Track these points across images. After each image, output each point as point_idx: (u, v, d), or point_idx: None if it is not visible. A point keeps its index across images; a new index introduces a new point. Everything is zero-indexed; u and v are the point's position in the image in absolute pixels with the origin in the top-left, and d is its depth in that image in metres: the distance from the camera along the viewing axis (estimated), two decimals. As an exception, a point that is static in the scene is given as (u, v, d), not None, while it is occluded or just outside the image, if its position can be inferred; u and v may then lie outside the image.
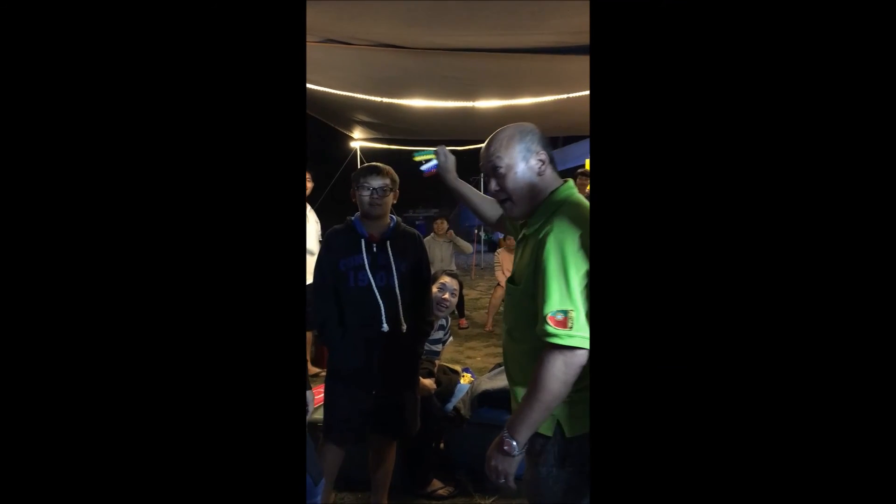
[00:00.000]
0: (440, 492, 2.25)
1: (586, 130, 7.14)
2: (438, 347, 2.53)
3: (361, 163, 6.17)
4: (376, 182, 1.79)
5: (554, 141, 10.12)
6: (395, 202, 1.89)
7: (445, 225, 5.32)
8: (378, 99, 3.70)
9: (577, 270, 1.06)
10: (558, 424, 1.14)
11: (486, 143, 1.24)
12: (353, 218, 1.90)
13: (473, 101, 3.75)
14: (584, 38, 2.55)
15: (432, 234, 5.31)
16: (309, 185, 3.35)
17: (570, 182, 1.23)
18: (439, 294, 2.40)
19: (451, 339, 2.74)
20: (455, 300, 2.50)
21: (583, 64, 2.91)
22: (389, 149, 6.71)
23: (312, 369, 3.39)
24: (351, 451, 1.97)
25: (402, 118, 4.47)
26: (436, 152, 1.53)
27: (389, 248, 1.84)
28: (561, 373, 1.04)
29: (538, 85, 3.42)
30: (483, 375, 2.75)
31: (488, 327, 5.18)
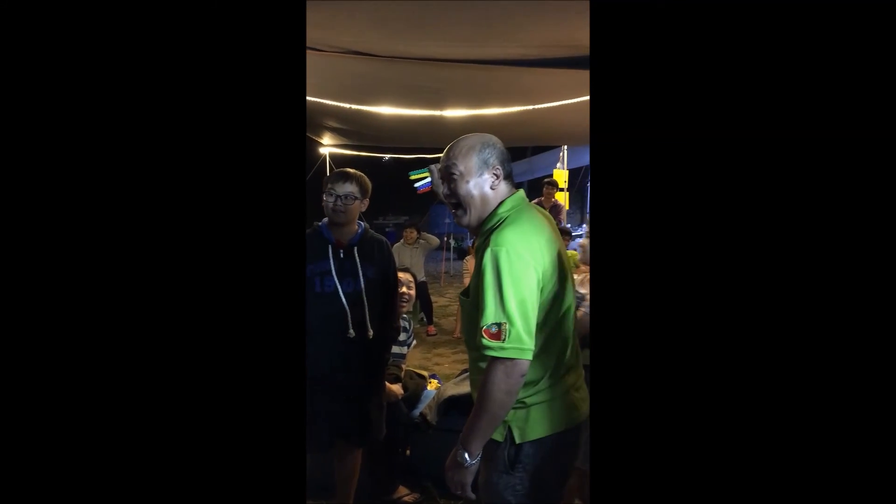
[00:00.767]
0: (406, 498, 2.25)
1: (551, 141, 7.29)
2: (404, 350, 2.54)
3: (331, 168, 6.13)
4: (342, 189, 1.79)
5: (523, 151, 10.25)
6: (363, 210, 1.89)
7: (415, 234, 5.35)
8: (347, 105, 3.71)
9: (514, 283, 1.08)
10: (509, 430, 1.17)
11: (447, 146, 1.27)
12: (320, 223, 1.90)
13: (441, 109, 3.80)
14: (551, 52, 2.62)
15: (402, 240, 5.32)
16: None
17: (518, 193, 1.25)
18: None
19: (414, 342, 2.75)
20: (413, 292, 2.50)
21: (548, 77, 2.99)
22: (359, 155, 6.69)
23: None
24: (317, 458, 1.95)
25: (371, 125, 4.49)
26: (429, 170, 1.59)
27: (356, 255, 1.85)
28: (503, 382, 1.08)
29: (505, 96, 3.50)
30: (449, 381, 2.77)
31: (456, 334, 5.20)
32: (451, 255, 9.09)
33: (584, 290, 1.75)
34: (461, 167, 1.22)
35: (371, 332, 1.84)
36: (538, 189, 5.80)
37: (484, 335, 1.08)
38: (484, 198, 1.22)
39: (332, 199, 1.80)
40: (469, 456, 1.13)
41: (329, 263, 1.82)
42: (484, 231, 1.22)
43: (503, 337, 1.07)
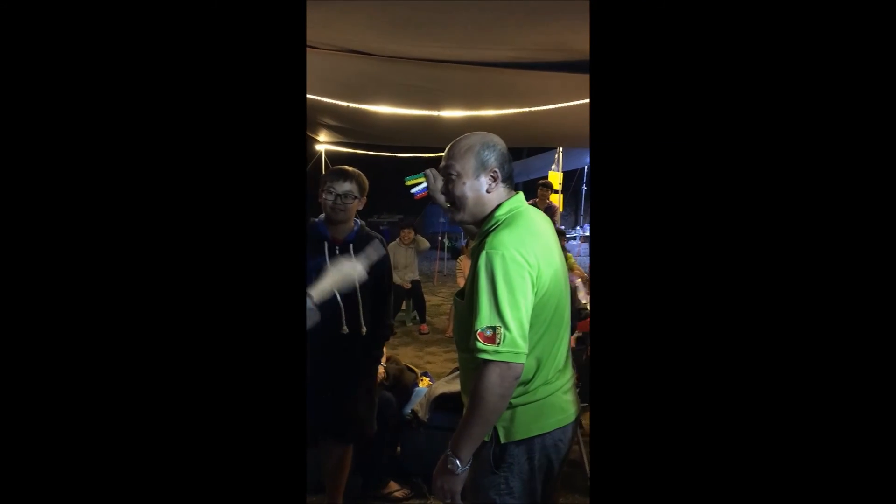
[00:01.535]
0: (396, 494, 2.26)
1: (547, 143, 7.32)
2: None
3: (326, 166, 6.14)
4: (342, 187, 1.80)
5: (519, 152, 10.27)
6: (360, 208, 1.91)
7: (412, 234, 5.37)
8: (344, 104, 3.72)
9: (509, 286, 1.08)
10: (495, 430, 1.17)
11: (449, 145, 1.27)
12: (316, 220, 1.92)
13: (438, 110, 3.82)
14: (547, 55, 2.65)
15: (397, 239, 5.33)
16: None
17: (517, 196, 1.26)
18: None
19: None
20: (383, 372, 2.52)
21: (544, 80, 3.02)
22: (355, 153, 6.70)
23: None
24: (308, 453, 1.97)
25: (368, 124, 4.50)
26: (425, 175, 1.60)
27: (352, 251, 1.86)
28: (497, 386, 1.07)
29: (501, 98, 3.52)
30: (441, 379, 2.79)
31: (448, 333, 5.21)
32: (445, 254, 9.11)
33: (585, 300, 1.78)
34: (458, 167, 1.22)
35: (364, 329, 1.85)
36: (533, 191, 5.83)
37: (478, 338, 1.08)
38: (479, 199, 1.23)
39: (331, 198, 1.80)
40: (461, 462, 1.12)
41: (325, 260, 1.83)
42: (480, 233, 1.22)
43: (498, 340, 1.07)
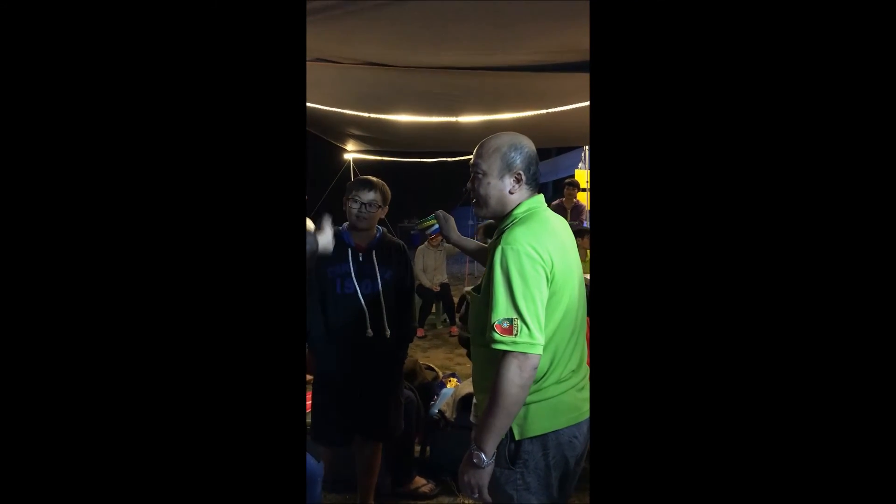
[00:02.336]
0: (423, 489, 2.31)
1: (569, 142, 7.26)
2: None
3: (354, 174, 6.28)
4: (366, 196, 1.88)
5: (548, 151, 10.19)
6: (382, 217, 1.98)
7: (440, 238, 5.45)
8: (366, 114, 3.83)
9: (523, 279, 1.12)
10: (510, 427, 1.18)
11: (479, 143, 1.30)
12: (341, 228, 2.00)
13: (457, 116, 3.88)
14: (558, 57, 2.68)
15: (426, 243, 5.41)
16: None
17: (537, 197, 1.29)
18: None
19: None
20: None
21: (557, 81, 3.05)
22: (381, 160, 6.84)
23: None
24: (338, 452, 2.05)
25: (390, 132, 4.60)
26: (435, 216, 1.69)
27: (375, 258, 1.94)
28: (516, 376, 1.10)
29: (517, 101, 3.57)
30: (467, 379, 2.84)
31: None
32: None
33: None
34: (484, 166, 1.25)
35: (388, 332, 1.92)
36: (561, 189, 5.81)
37: (496, 330, 1.10)
38: (501, 198, 1.26)
39: (356, 206, 1.88)
40: (486, 456, 1.13)
41: (349, 266, 1.91)
42: (498, 230, 1.26)
43: (515, 332, 1.09)
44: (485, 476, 1.16)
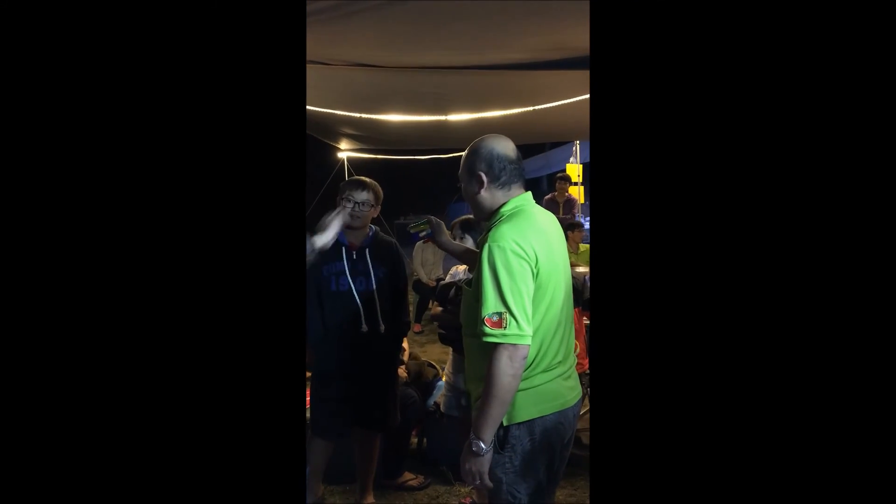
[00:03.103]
0: (411, 482, 2.38)
1: (557, 138, 7.29)
2: None
3: (349, 172, 6.32)
4: (360, 196, 1.93)
5: (541, 146, 10.26)
6: (375, 216, 2.04)
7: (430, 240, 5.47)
8: (357, 115, 3.87)
9: (509, 274, 1.17)
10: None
11: None
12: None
13: (446, 114, 3.94)
14: (549, 55, 2.73)
15: (423, 239, 5.43)
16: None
17: (523, 195, 1.34)
18: None
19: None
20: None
21: (545, 79, 3.10)
22: (375, 158, 6.88)
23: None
24: (338, 444, 2.12)
25: (382, 131, 4.65)
26: (427, 221, 1.76)
27: (368, 256, 1.99)
28: (508, 367, 1.16)
29: (505, 99, 3.62)
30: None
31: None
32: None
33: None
34: (460, 172, 1.36)
35: (383, 327, 1.99)
36: (555, 184, 5.86)
37: (486, 324, 1.16)
38: (473, 201, 1.34)
39: (350, 206, 1.93)
40: (484, 444, 1.19)
41: (343, 264, 1.97)
42: (486, 228, 1.32)
43: (504, 325, 1.15)
44: (485, 463, 1.22)
